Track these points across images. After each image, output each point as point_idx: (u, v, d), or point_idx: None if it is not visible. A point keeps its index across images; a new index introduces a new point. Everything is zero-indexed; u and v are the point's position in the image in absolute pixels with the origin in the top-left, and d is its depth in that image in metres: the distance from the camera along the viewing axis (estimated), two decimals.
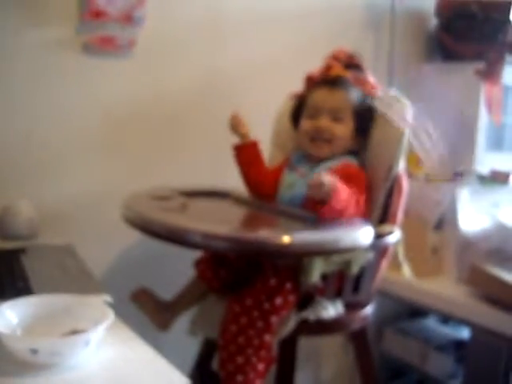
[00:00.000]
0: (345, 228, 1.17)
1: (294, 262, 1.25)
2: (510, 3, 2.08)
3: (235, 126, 1.48)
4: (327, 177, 1.16)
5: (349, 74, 1.47)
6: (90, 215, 1.62)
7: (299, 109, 1.50)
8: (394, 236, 1.36)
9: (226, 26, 1.78)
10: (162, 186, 1.54)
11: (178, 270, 1.51)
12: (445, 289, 1.96)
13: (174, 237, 1.15)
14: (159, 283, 1.49)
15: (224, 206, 1.47)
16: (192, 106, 1.77)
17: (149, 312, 1.40)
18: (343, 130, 1.40)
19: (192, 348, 1.64)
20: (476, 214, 2.05)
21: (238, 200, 1.51)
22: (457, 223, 2.04)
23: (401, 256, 1.41)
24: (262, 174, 1.51)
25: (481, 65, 2.10)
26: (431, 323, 2.35)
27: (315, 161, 1.42)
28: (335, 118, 1.41)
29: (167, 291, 1.43)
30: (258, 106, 1.76)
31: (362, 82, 1.48)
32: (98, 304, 0.92)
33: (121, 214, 1.30)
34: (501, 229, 1.97)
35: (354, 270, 1.26)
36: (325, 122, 1.40)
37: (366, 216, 1.35)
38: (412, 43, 2.27)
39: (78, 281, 1.12)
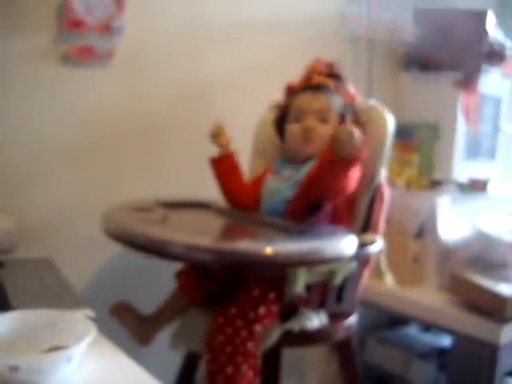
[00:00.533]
0: (329, 238, 1.17)
1: (278, 272, 1.24)
2: (485, 13, 2.11)
3: (217, 135, 1.47)
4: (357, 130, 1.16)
5: (330, 83, 1.47)
6: (68, 227, 1.60)
7: (283, 118, 1.50)
8: (377, 245, 1.36)
9: (204, 35, 1.77)
10: (142, 198, 1.52)
11: (159, 282, 1.49)
12: (426, 297, 1.97)
13: (156, 249, 1.13)
14: (140, 296, 1.47)
15: (205, 217, 1.46)
16: (171, 116, 1.76)
17: (129, 326, 1.37)
18: (328, 130, 1.40)
19: (175, 361, 1.62)
20: (456, 222, 2.07)
21: (219, 211, 1.50)
22: (437, 231, 2.05)
23: (383, 265, 1.41)
24: (240, 185, 1.50)
25: (458, 75, 2.13)
26: (412, 331, 2.35)
27: (300, 162, 1.41)
28: (321, 118, 1.41)
29: (148, 304, 1.41)
30: (238, 115, 1.76)
31: (342, 91, 1.49)
32: (80, 319, 0.90)
33: (101, 226, 1.27)
34: (481, 237, 1.99)
35: (338, 280, 1.26)
36: (312, 122, 1.41)
37: (349, 225, 1.35)
38: (389, 53, 2.29)
39: (58, 295, 1.09)
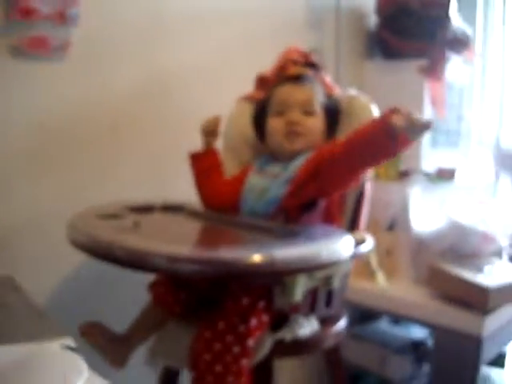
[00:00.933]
0: (326, 240, 1.08)
1: (273, 280, 1.14)
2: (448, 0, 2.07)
3: (211, 129, 1.38)
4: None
5: (309, 72, 1.38)
6: (29, 241, 1.44)
7: (261, 113, 1.39)
8: (368, 244, 1.29)
9: (166, 25, 1.64)
10: (110, 203, 1.38)
11: (131, 295, 1.36)
12: (402, 291, 1.92)
13: (135, 261, 1.01)
14: (112, 312, 1.35)
15: (180, 222, 1.34)
16: (134, 113, 1.62)
17: (101, 348, 1.23)
18: (315, 123, 1.32)
19: (151, 379, 1.49)
20: (427, 212, 2.03)
21: (193, 214, 1.39)
22: (409, 223, 2.01)
23: (374, 264, 1.34)
24: (220, 184, 1.40)
25: (423, 62, 2.08)
26: (384, 325, 2.31)
27: (287, 158, 1.31)
28: (305, 111, 1.32)
29: (121, 321, 1.28)
30: (205, 109, 1.64)
31: (321, 81, 1.40)
32: (63, 354, 0.76)
33: (67, 237, 1.14)
34: (454, 227, 1.95)
35: (335, 284, 1.17)
36: (296, 116, 1.31)
37: (340, 224, 1.27)
38: (354, 41, 2.22)
39: (27, 321, 0.95)
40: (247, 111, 1.50)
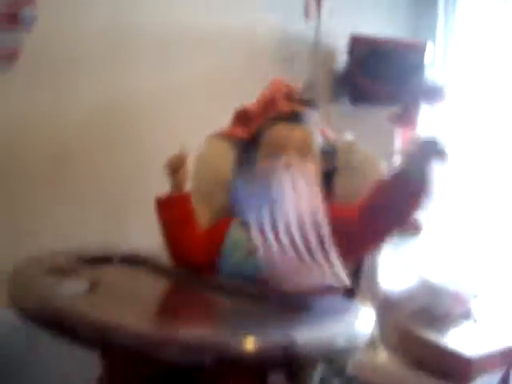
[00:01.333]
0: (344, 318, 0.88)
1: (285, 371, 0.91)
2: (425, 45, 1.99)
3: (178, 167, 1.14)
4: None
5: (304, 110, 1.20)
6: None
7: (248, 154, 1.19)
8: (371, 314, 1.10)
9: (138, 44, 1.45)
10: (57, 252, 1.12)
11: None
12: (370, 357, 1.74)
13: (99, 339, 0.80)
14: None
15: (147, 282, 1.11)
16: (85, 143, 1.41)
17: None
18: (314, 169, 1.14)
19: None
20: (396, 270, 1.89)
21: (160, 270, 1.14)
22: (377, 281, 1.86)
23: (376, 336, 1.15)
24: (193, 237, 1.16)
25: (395, 109, 1.97)
26: None
27: None
28: (302, 154, 1.13)
29: None
30: (170, 144, 1.42)
31: (317, 121, 1.22)
32: None
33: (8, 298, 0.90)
34: (426, 287, 1.82)
35: (349, 368, 0.96)
36: (292, 160, 1.12)
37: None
38: (322, 81, 2.08)
39: None
40: (223, 150, 1.31)
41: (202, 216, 1.24)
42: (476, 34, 2.21)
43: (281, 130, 1.16)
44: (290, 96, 1.25)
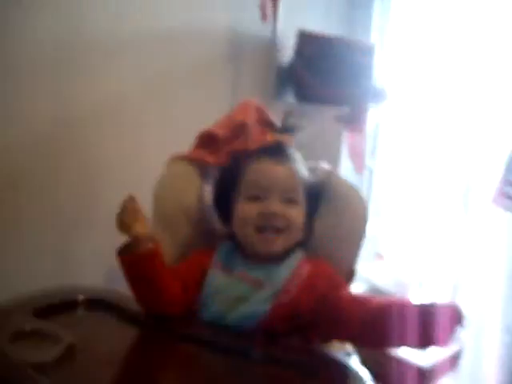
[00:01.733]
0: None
1: None
2: (373, 47, 1.95)
3: (130, 222, 0.97)
4: None
5: (287, 140, 1.12)
6: None
7: (225, 187, 1.10)
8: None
9: (92, 50, 1.27)
10: (7, 308, 0.97)
11: None
12: None
13: None
14: None
15: (121, 336, 0.99)
16: (29, 166, 1.22)
17: None
18: (298, 215, 1.07)
19: None
20: None
21: (128, 316, 1.03)
22: None
23: None
24: (166, 291, 1.01)
25: (343, 110, 1.93)
26: None
27: (261, 259, 1.06)
28: (288, 199, 1.06)
29: None
30: (125, 169, 1.30)
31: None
32: None
33: None
34: (373, 291, 1.83)
35: None
36: (278, 206, 1.04)
37: None
38: (262, 79, 1.99)
39: None
40: (185, 174, 1.20)
41: (168, 250, 1.13)
42: (410, 34, 2.21)
43: (264, 169, 1.07)
44: (263, 122, 1.16)
